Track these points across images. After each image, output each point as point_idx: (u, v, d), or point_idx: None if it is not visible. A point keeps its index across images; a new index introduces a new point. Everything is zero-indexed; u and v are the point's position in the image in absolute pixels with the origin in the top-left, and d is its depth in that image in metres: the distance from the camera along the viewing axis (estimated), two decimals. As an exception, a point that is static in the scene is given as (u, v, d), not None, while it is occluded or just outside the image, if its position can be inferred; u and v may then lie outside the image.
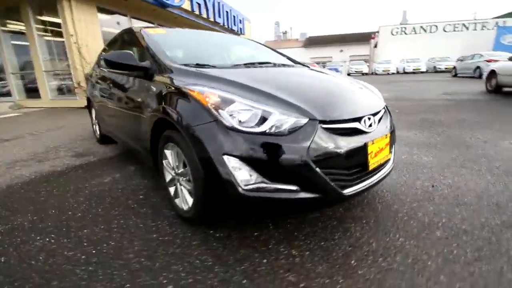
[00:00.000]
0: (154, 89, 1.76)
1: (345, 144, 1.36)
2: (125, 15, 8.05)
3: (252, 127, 1.29)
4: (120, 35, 2.81)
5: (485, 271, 1.21)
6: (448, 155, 2.76)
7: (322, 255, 1.36)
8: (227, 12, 12.49)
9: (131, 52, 1.94)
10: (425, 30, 24.29)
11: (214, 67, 1.86)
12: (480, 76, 12.47)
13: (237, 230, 1.60)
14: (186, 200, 1.62)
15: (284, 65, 2.36)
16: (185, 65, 1.81)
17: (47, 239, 1.59)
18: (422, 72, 21.46)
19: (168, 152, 1.71)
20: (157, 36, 2.18)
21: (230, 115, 1.32)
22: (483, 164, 2.46)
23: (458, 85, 10.41)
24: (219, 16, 11.68)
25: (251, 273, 1.26)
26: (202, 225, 1.64)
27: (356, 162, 1.41)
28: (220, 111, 1.33)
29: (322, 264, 1.30)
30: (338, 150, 1.33)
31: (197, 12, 9.92)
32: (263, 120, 1.30)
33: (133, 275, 1.26)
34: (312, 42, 43.53)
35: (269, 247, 1.44)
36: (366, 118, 1.53)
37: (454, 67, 16.02)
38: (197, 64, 1.85)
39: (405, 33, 25.11)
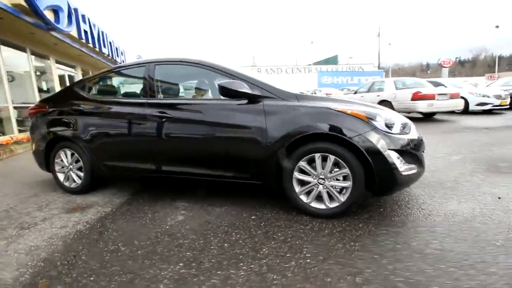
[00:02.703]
0: (285, 112, 2.05)
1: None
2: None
3: (390, 129, 1.97)
4: (155, 64, 2.56)
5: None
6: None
7: (445, 213, 2.16)
8: (110, 43, 11.42)
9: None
10: (274, 71, 31.09)
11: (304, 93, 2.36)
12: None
13: (366, 212, 2.13)
14: (335, 198, 2.00)
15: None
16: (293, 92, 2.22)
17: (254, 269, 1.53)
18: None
19: (304, 164, 2.03)
20: (238, 68, 2.39)
21: (379, 124, 1.94)
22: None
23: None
24: (104, 46, 10.52)
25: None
26: (343, 216, 2.05)
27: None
28: (373, 122, 1.93)
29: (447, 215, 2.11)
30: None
31: (83, 40, 8.64)
32: (392, 124, 2.01)
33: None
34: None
35: (404, 212, 2.09)
36: None
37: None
38: (300, 92, 2.29)
39: (261, 73, 31.13)
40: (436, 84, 10.02)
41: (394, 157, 1.89)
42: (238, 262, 1.59)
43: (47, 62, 8.57)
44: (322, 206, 2.06)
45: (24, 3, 5.55)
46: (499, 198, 2.26)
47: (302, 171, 2.07)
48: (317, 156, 2.00)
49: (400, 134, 2.00)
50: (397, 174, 1.90)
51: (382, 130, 1.93)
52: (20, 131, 6.78)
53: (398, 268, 1.45)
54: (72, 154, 2.87)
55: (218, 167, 2.29)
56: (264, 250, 1.69)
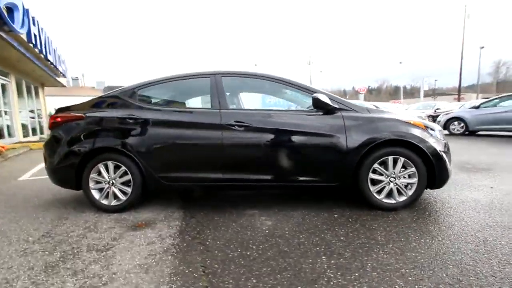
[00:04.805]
0: (363, 122, 2.42)
1: None
2: None
3: (437, 135, 2.54)
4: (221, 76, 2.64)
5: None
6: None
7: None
8: (54, 50, 10.02)
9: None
10: (219, 90, 31.96)
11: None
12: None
13: (417, 205, 2.62)
14: (403, 193, 2.43)
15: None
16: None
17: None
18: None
19: (377, 165, 2.42)
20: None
21: (432, 131, 2.50)
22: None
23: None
24: (50, 53, 9.19)
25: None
26: (405, 209, 2.49)
27: None
28: (429, 130, 2.47)
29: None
30: None
31: (32, 44, 7.44)
32: (434, 131, 2.58)
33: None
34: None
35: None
36: None
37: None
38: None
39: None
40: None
41: (445, 157, 2.45)
42: (370, 248, 1.82)
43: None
44: (392, 201, 2.45)
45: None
46: (491, 187, 3.06)
47: (374, 172, 2.45)
48: (390, 158, 2.41)
49: (442, 139, 2.58)
50: (448, 171, 2.45)
51: (435, 136, 2.48)
52: None
53: (488, 236, 1.92)
54: (116, 167, 2.60)
55: (298, 173, 2.48)
56: (379, 237, 1.97)
